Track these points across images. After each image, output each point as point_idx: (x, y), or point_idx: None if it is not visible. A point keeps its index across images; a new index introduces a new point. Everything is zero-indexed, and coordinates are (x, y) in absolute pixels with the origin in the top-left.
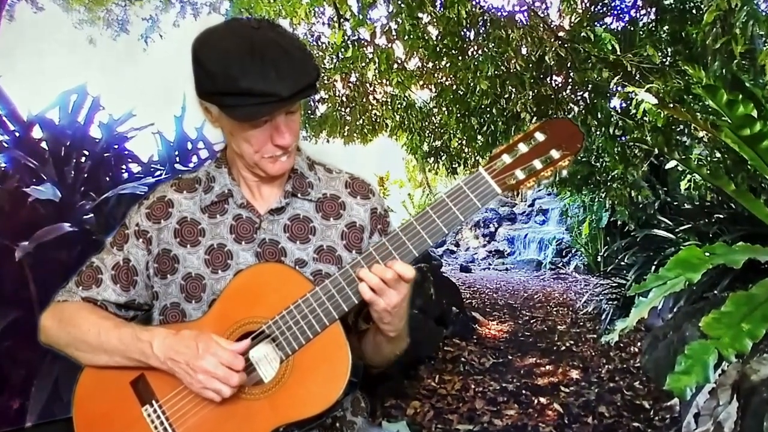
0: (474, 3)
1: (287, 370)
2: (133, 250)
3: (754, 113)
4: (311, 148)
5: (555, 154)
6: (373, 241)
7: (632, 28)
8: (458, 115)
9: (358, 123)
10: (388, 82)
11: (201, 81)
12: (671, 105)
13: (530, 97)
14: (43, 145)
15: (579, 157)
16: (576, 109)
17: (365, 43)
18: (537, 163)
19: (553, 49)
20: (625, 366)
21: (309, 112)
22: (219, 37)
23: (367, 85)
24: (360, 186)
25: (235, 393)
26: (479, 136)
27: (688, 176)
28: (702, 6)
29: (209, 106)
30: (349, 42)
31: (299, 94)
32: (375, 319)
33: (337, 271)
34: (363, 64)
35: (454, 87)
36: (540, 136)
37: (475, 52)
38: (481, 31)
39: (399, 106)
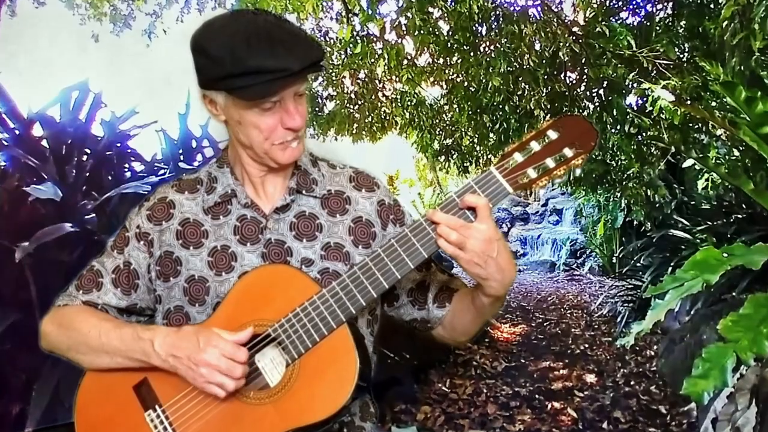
0: None
1: (293, 374)
2: (134, 253)
3: None
4: (319, 146)
5: (568, 152)
6: (389, 232)
7: (648, 24)
8: (470, 112)
9: (366, 120)
10: (397, 79)
11: (206, 69)
12: (688, 102)
13: (544, 94)
14: (44, 143)
15: (594, 156)
16: (591, 106)
17: (374, 39)
18: (550, 162)
19: (568, 44)
20: (641, 370)
21: (317, 109)
22: (221, 26)
23: (377, 81)
24: (364, 179)
25: (240, 397)
26: (491, 134)
27: (706, 175)
28: (720, 0)
29: (215, 97)
30: (357, 37)
31: (309, 68)
32: (472, 276)
33: (345, 268)
34: (372, 60)
35: (466, 84)
36: (553, 134)
37: (487, 48)
38: (493, 27)
39: (409, 103)
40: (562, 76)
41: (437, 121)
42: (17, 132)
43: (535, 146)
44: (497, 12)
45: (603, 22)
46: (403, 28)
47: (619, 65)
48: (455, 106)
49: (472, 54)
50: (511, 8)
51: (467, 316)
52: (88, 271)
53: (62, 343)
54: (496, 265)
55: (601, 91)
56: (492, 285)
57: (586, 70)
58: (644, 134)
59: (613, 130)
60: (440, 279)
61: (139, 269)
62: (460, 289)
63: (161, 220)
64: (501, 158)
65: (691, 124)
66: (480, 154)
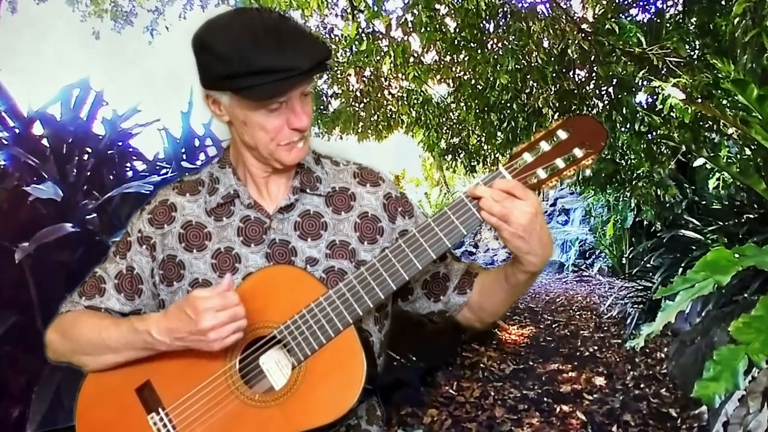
0: None
1: (299, 376)
2: (137, 258)
3: None
4: (324, 145)
5: (578, 152)
6: (398, 225)
7: (659, 20)
8: (477, 110)
9: (372, 119)
10: (403, 77)
11: (211, 67)
12: (699, 100)
13: (552, 92)
14: (44, 141)
15: (603, 155)
16: (600, 104)
17: (380, 36)
18: (559, 162)
19: (576, 41)
20: (651, 372)
21: (321, 107)
22: (225, 23)
23: (382, 79)
24: (369, 174)
25: (245, 400)
26: (499, 133)
27: (717, 174)
28: None
29: (219, 97)
30: (363, 34)
31: (318, 68)
32: (512, 250)
33: (351, 266)
34: (378, 58)
35: (473, 81)
36: (562, 134)
37: (494, 45)
38: (501, 23)
39: (415, 101)
40: (570, 73)
41: (444, 119)
42: (17, 131)
43: (544, 146)
44: (505, 9)
45: (612, 19)
46: (410, 25)
47: (629, 63)
48: (462, 104)
49: (479, 51)
50: (519, 5)
51: (499, 295)
52: (90, 278)
53: (66, 348)
54: (538, 239)
55: (610, 89)
56: (532, 260)
57: (595, 68)
58: (654, 133)
59: (622, 129)
60: (458, 268)
61: (142, 274)
62: (480, 272)
63: (163, 223)
64: (510, 158)
65: (702, 123)
66: (487, 153)
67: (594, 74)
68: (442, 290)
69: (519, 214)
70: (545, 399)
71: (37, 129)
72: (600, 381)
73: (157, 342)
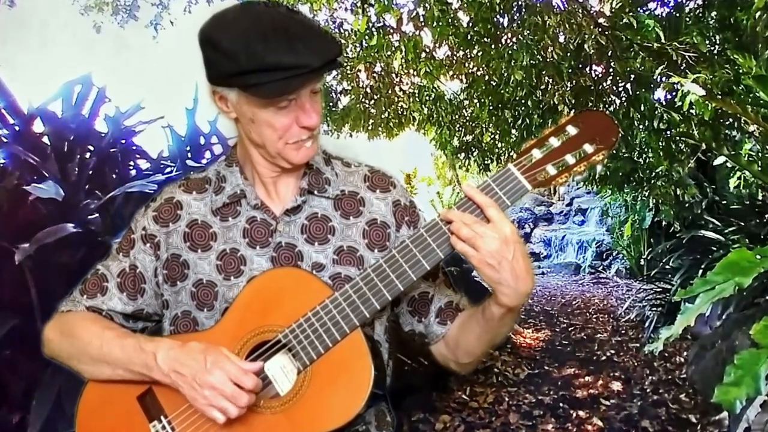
0: None
1: (305, 381)
2: (140, 256)
3: None
4: (333, 142)
5: (588, 148)
6: (402, 234)
7: (678, 14)
8: (491, 107)
9: (383, 116)
10: (415, 73)
11: (218, 63)
12: (719, 96)
13: (568, 89)
14: (45, 139)
15: (620, 153)
16: (617, 101)
17: (391, 31)
18: (569, 158)
19: (593, 36)
20: (670, 377)
21: (330, 104)
22: (233, 18)
23: (393, 75)
24: (380, 179)
25: (249, 407)
26: (513, 130)
27: (738, 173)
28: None
29: (226, 93)
30: (373, 29)
31: (329, 65)
32: (484, 278)
33: (358, 273)
34: (388, 53)
35: (487, 77)
36: (572, 130)
37: (509, 40)
38: (515, 18)
39: (427, 97)
40: (587, 69)
41: (457, 116)
42: (17, 128)
43: (554, 142)
44: (519, 2)
45: (630, 13)
46: (421, 19)
47: (647, 58)
48: (475, 101)
49: (493, 46)
50: None
51: (474, 330)
52: (92, 275)
53: (63, 351)
54: (510, 269)
55: (628, 86)
56: (505, 291)
57: (612, 64)
58: (673, 130)
59: (640, 126)
60: (446, 293)
61: (146, 273)
62: (466, 309)
63: (168, 221)
64: (519, 155)
65: (722, 120)
66: (501, 151)
67: (611, 70)
68: (426, 312)
69: (488, 240)
70: (561, 404)
71: (38, 126)
72: (617, 386)
73: (156, 368)
